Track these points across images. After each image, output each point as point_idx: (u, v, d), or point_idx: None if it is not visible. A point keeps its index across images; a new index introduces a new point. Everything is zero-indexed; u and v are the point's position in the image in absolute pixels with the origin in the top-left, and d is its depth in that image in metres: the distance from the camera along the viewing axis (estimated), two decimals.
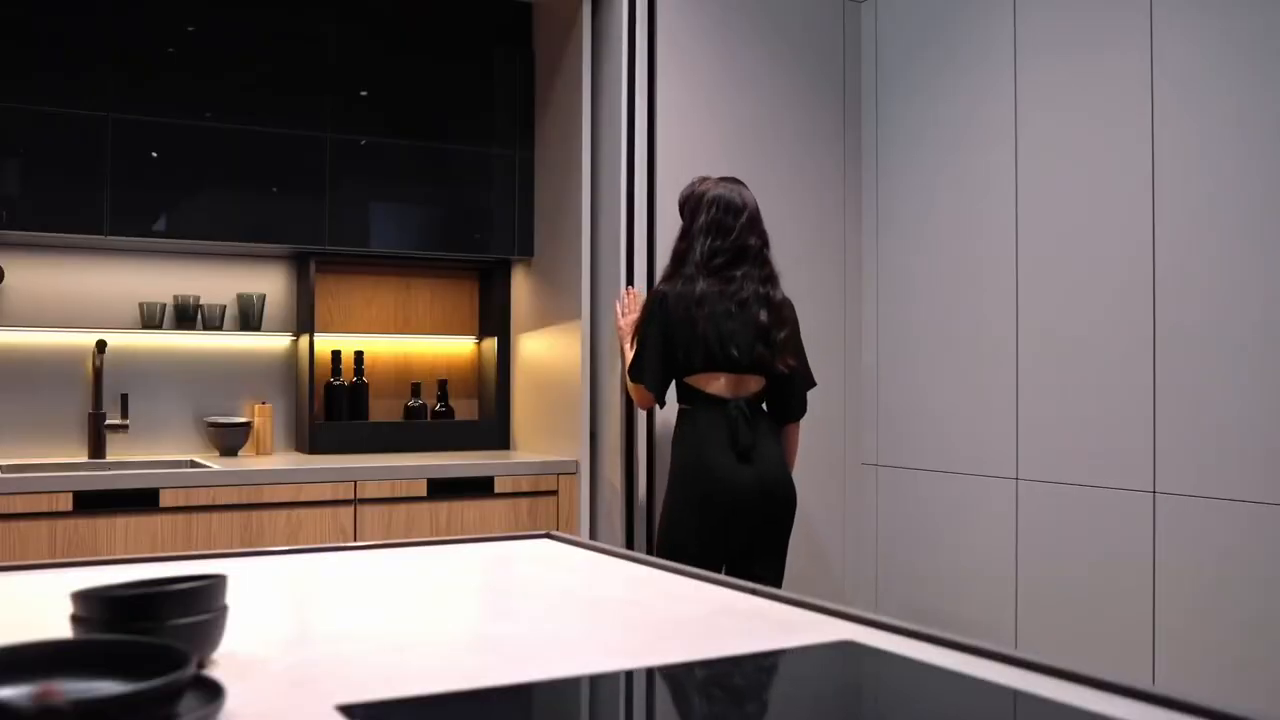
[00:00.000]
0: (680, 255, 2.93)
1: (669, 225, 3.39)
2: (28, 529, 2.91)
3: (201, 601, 1.02)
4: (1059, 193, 3.11)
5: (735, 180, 2.98)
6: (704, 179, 3.00)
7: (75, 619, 1.01)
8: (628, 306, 3.29)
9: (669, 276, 2.94)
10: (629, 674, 1.05)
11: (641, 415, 3.39)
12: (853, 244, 3.74)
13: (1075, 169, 3.06)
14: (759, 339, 2.85)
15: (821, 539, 3.65)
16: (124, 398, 3.54)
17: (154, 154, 3.39)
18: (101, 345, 3.48)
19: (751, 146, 3.57)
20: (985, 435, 3.29)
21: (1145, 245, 2.87)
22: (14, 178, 3.26)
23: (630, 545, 3.38)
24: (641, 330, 2.93)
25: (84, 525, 2.97)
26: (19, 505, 2.91)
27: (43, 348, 3.50)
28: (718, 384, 2.86)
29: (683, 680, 1.06)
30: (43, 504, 2.93)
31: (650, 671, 1.06)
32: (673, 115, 3.44)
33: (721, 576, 1.50)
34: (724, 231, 2.86)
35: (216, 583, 1.04)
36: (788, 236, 3.45)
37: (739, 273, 2.86)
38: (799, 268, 3.52)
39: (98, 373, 3.50)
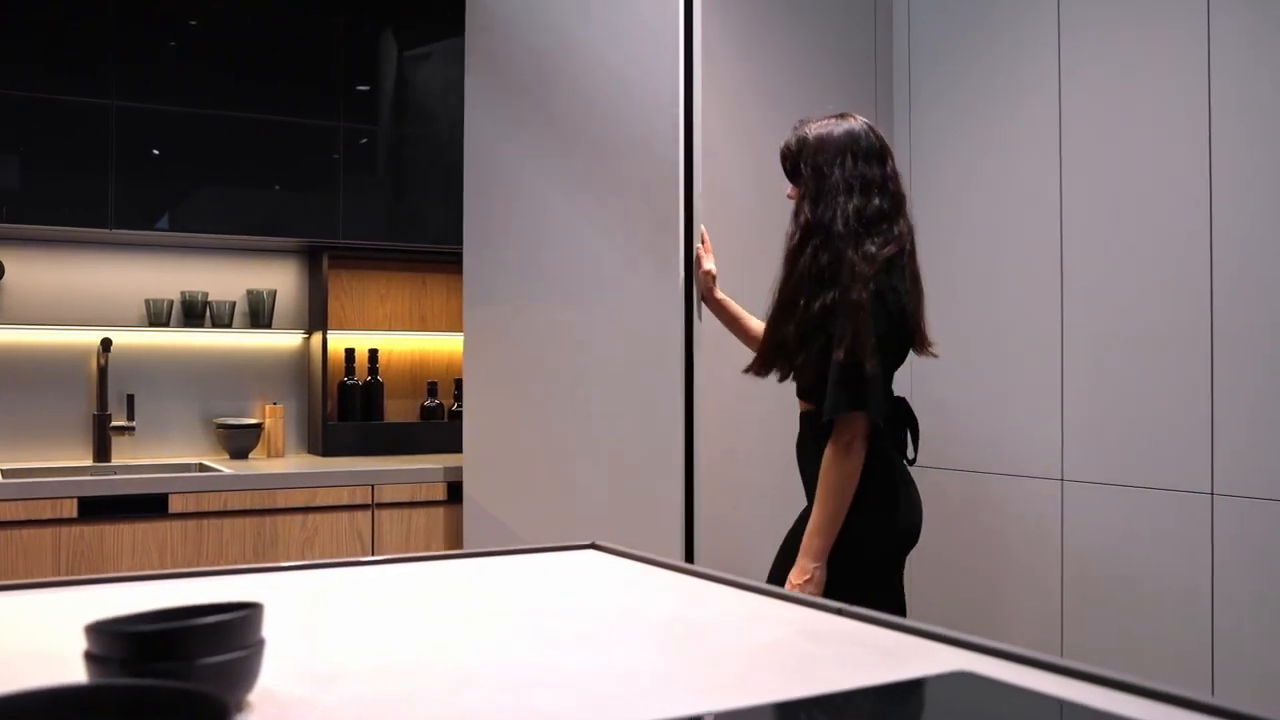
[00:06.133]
0: (855, 212, 2.20)
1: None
2: (30, 537, 2.78)
3: (236, 636, 0.88)
4: (1107, 184, 2.97)
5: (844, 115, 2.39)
6: (812, 120, 2.41)
7: (90, 657, 0.87)
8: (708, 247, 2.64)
9: (852, 249, 2.15)
10: (733, 714, 0.91)
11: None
12: None
13: (1125, 160, 2.92)
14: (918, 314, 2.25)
15: None
16: (130, 398, 3.41)
17: (160, 145, 3.26)
18: (106, 344, 3.36)
19: (779, 138, 3.43)
20: (1026, 435, 3.15)
21: (1202, 239, 2.73)
22: (15, 169, 3.13)
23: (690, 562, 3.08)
24: (859, 337, 2.09)
25: (90, 533, 2.83)
26: (21, 512, 2.77)
27: (45, 346, 3.37)
28: (896, 375, 2.24)
29: None
30: (46, 510, 2.80)
31: (755, 711, 0.93)
32: (696, 101, 3.29)
33: (797, 594, 1.36)
34: (877, 184, 2.26)
35: (252, 614, 0.91)
36: None
37: (904, 229, 2.23)
38: None
39: (102, 372, 3.37)
